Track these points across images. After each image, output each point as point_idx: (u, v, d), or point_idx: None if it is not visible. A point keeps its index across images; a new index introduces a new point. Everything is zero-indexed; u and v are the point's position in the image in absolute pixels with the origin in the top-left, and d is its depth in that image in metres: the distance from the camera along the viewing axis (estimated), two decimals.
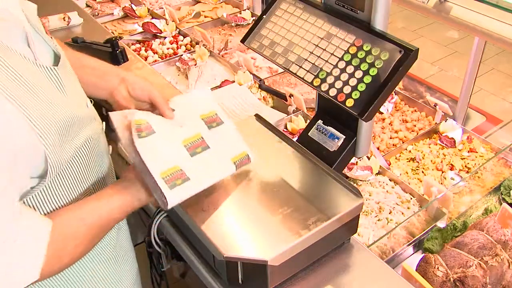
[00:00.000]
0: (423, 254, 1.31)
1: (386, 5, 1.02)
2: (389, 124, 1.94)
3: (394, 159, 1.78)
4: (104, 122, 1.09)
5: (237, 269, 0.96)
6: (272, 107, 1.98)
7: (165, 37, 2.41)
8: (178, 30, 2.47)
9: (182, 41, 2.41)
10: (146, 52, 2.31)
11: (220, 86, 2.03)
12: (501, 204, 1.52)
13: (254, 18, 2.56)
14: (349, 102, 1.04)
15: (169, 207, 0.93)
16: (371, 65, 1.03)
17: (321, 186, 1.08)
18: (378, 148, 1.81)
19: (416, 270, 1.26)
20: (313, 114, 1.30)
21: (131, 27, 2.55)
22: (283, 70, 1.49)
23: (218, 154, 1.03)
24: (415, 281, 1.16)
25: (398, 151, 1.80)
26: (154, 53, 2.30)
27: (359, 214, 1.05)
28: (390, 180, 1.64)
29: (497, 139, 1.85)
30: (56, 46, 0.95)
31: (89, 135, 0.96)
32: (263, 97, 2.00)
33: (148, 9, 2.64)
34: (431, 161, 1.74)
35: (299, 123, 1.82)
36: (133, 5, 2.65)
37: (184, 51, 2.33)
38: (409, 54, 0.99)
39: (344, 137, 1.18)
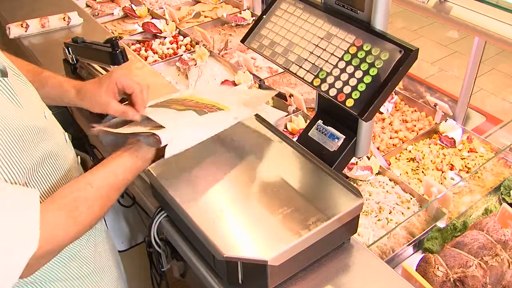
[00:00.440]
0: (423, 254, 1.31)
1: (386, 5, 1.02)
2: (389, 124, 1.94)
3: (394, 159, 1.78)
4: (66, 133, 1.10)
5: (237, 269, 0.96)
6: (272, 107, 1.98)
7: (165, 37, 2.41)
8: (178, 30, 2.47)
9: (182, 41, 2.41)
10: (146, 52, 2.32)
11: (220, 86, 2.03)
12: (501, 204, 1.52)
13: (254, 18, 2.56)
14: (349, 102, 1.04)
15: (163, 143, 1.00)
16: (371, 65, 1.03)
17: (321, 186, 1.08)
18: (378, 148, 1.81)
19: (416, 270, 1.26)
20: (313, 114, 1.30)
21: (131, 27, 2.55)
22: (283, 70, 1.49)
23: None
24: (415, 281, 1.16)
25: (398, 151, 1.80)
26: (154, 53, 2.30)
27: (359, 214, 1.05)
28: (390, 180, 1.64)
29: (497, 139, 1.85)
30: (0, 59, 0.93)
31: (50, 149, 0.95)
32: None
33: (148, 9, 2.64)
34: (431, 161, 1.74)
35: (299, 123, 1.82)
36: (133, 5, 2.65)
37: (184, 51, 2.33)
38: (409, 54, 0.99)
39: (344, 137, 1.18)
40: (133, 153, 1.04)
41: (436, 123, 1.91)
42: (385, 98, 1.03)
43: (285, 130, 1.85)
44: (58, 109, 1.35)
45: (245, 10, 2.65)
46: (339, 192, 1.05)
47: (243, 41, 1.26)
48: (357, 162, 1.64)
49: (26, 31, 2.02)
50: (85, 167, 1.18)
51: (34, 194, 0.83)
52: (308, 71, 1.12)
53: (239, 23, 2.54)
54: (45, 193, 0.95)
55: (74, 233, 0.89)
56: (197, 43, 2.35)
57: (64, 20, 2.11)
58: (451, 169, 1.70)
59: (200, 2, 2.83)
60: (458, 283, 1.19)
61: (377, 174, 1.66)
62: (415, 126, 1.92)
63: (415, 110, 2.01)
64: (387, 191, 1.59)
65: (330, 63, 1.09)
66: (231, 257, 0.93)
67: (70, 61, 1.66)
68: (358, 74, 1.04)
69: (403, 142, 1.84)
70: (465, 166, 1.72)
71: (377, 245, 1.36)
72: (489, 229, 1.33)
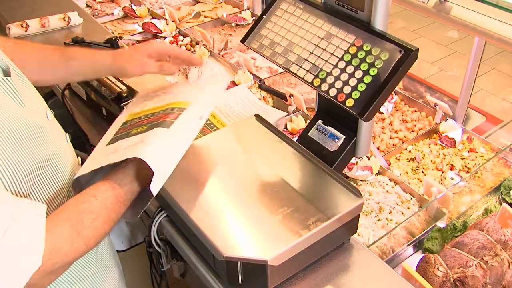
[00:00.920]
0: (423, 254, 1.31)
1: (386, 5, 1.02)
2: (389, 124, 1.94)
3: (394, 159, 1.78)
4: (67, 134, 1.09)
5: (237, 269, 0.96)
6: (272, 107, 1.98)
7: (165, 37, 2.41)
8: (178, 30, 2.47)
9: (182, 41, 2.41)
10: None
11: None
12: (501, 204, 1.52)
13: (254, 18, 2.56)
14: (349, 102, 1.04)
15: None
16: (371, 65, 1.03)
17: (321, 186, 1.08)
18: (378, 148, 1.81)
19: (416, 270, 1.26)
20: (313, 114, 1.30)
21: (131, 27, 2.55)
22: (283, 70, 1.49)
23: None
24: (415, 281, 1.16)
25: (398, 151, 1.80)
26: None
27: (359, 214, 1.05)
28: (390, 180, 1.64)
29: (497, 139, 1.84)
30: (3, 59, 0.93)
31: (52, 150, 0.94)
32: (263, 97, 2.00)
33: (148, 9, 2.64)
34: (431, 161, 1.74)
35: (299, 123, 1.82)
36: (133, 5, 2.65)
37: None
38: (409, 54, 0.99)
39: (344, 137, 1.18)
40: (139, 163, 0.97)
41: (436, 123, 1.91)
42: (385, 98, 1.03)
43: (285, 130, 1.85)
44: (58, 109, 1.36)
45: (245, 10, 2.65)
46: (339, 192, 1.05)
47: (243, 41, 1.26)
48: (357, 162, 1.64)
49: (26, 31, 2.02)
50: None
51: (41, 210, 0.80)
52: (308, 71, 1.12)
53: (239, 23, 2.54)
54: (49, 194, 0.94)
55: (79, 246, 0.85)
56: (197, 43, 2.35)
57: (64, 20, 2.11)
58: (451, 169, 1.70)
59: (200, 2, 2.83)
60: (458, 283, 1.19)
61: (377, 174, 1.66)
62: (415, 126, 1.92)
63: (415, 110, 2.01)
64: (387, 191, 1.59)
65: (330, 63, 1.09)
66: (231, 257, 0.93)
67: None
68: (358, 74, 1.04)
69: (403, 142, 1.84)
70: (465, 166, 1.72)
71: (377, 245, 1.36)
72: (489, 229, 1.33)
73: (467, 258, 1.22)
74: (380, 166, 1.66)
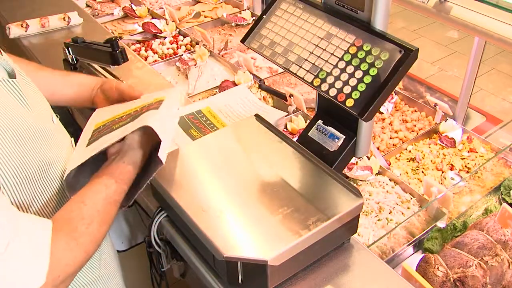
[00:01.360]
0: (423, 254, 1.31)
1: (386, 5, 1.02)
2: (389, 124, 1.94)
3: (394, 159, 1.78)
4: (73, 138, 1.09)
5: (237, 269, 0.96)
6: (272, 107, 1.98)
7: (165, 37, 2.41)
8: (178, 30, 2.47)
9: (182, 41, 2.41)
10: (146, 52, 2.31)
11: (220, 86, 2.03)
12: (501, 204, 1.52)
13: (254, 18, 2.56)
14: (349, 102, 1.04)
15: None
16: (371, 65, 1.03)
17: (321, 186, 1.08)
18: (378, 148, 1.81)
19: (416, 270, 1.26)
20: (313, 114, 1.30)
21: (131, 27, 2.55)
22: (283, 70, 1.49)
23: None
24: (415, 281, 1.16)
25: (398, 151, 1.80)
26: (154, 53, 2.30)
27: (359, 214, 1.05)
28: (390, 180, 1.64)
29: (497, 139, 1.85)
30: (8, 62, 0.93)
31: (57, 154, 0.93)
32: (263, 97, 2.00)
33: (148, 9, 2.64)
34: (431, 161, 1.74)
35: (299, 123, 1.82)
36: (133, 5, 2.65)
37: (184, 51, 2.33)
38: (409, 54, 0.99)
39: (344, 137, 1.18)
40: (119, 161, 0.98)
41: (436, 123, 1.91)
42: (385, 98, 1.03)
43: (285, 130, 1.85)
44: (58, 109, 1.35)
45: (245, 10, 2.65)
46: (339, 192, 1.05)
47: (243, 41, 1.26)
48: (357, 162, 1.64)
49: (26, 31, 2.02)
50: None
51: (47, 225, 0.79)
52: (308, 71, 1.12)
53: (239, 23, 2.54)
54: (54, 197, 0.94)
55: (79, 255, 0.83)
56: (197, 43, 2.36)
57: (64, 20, 2.11)
58: (451, 169, 1.70)
59: (200, 2, 2.83)
60: (458, 283, 1.19)
61: (377, 174, 1.66)
62: (415, 126, 1.92)
63: (415, 110, 2.01)
64: (387, 191, 1.59)
65: (330, 63, 1.09)
66: (231, 257, 0.93)
67: (70, 61, 1.66)
68: (358, 74, 1.04)
69: (403, 142, 1.84)
70: (465, 166, 1.72)
71: (377, 245, 1.36)
72: (489, 229, 1.33)
73: (467, 258, 1.22)
74: (380, 166, 1.66)
